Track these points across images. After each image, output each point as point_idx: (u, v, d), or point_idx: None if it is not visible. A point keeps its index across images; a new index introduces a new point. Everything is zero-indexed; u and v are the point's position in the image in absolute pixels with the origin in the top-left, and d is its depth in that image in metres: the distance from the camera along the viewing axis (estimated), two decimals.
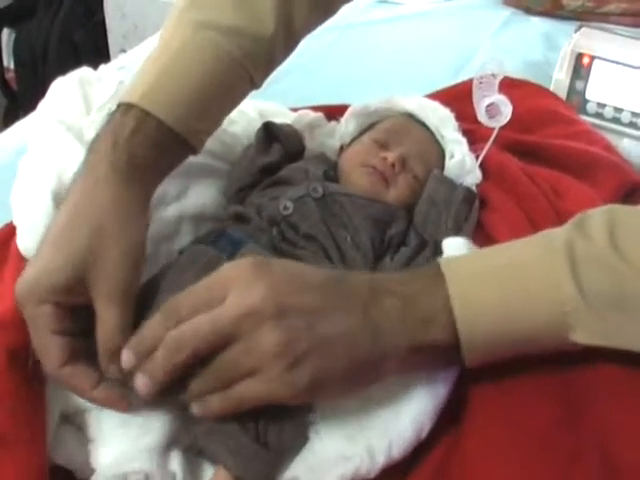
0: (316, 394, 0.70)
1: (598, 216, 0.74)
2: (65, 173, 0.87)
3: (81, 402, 0.76)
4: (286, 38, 0.93)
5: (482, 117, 1.09)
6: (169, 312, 0.70)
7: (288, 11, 0.91)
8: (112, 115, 0.83)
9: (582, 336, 0.69)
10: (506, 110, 1.09)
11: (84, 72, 1.03)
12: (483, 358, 0.72)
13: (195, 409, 0.71)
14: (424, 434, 0.72)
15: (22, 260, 0.81)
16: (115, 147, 0.79)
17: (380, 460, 0.70)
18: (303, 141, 1.08)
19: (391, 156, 0.99)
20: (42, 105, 1.00)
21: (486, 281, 0.72)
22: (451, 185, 0.98)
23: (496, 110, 1.10)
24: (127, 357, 0.70)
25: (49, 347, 0.72)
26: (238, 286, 0.69)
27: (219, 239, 0.88)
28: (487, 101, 1.10)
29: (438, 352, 0.71)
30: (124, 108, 0.82)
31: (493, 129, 1.09)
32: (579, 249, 0.71)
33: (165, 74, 0.84)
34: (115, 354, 0.71)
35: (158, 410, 0.75)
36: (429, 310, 0.70)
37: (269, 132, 1.05)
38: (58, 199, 0.83)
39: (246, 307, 0.67)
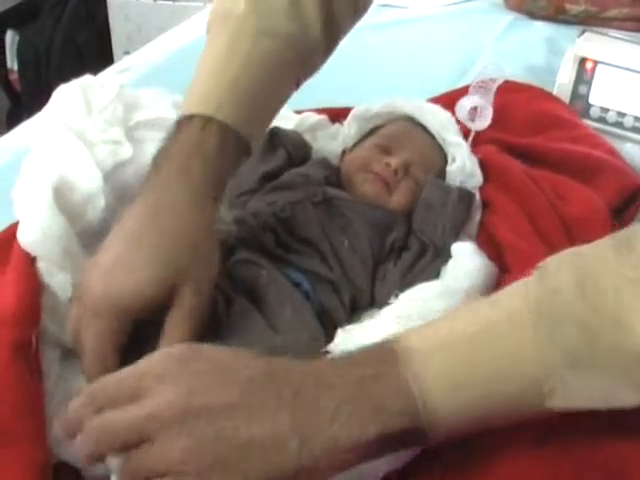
0: None
1: (561, 263, 0.66)
2: (66, 169, 0.87)
3: None
4: (328, 41, 0.94)
5: (463, 119, 1.11)
6: (93, 396, 0.66)
7: (330, 15, 0.91)
8: (184, 124, 0.82)
9: (558, 401, 0.62)
10: (486, 113, 1.10)
11: (86, 79, 1.03)
12: (447, 435, 0.65)
13: None
14: (400, 463, 0.68)
15: (25, 258, 0.81)
16: (205, 164, 0.79)
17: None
18: (309, 149, 1.09)
19: (394, 162, 0.99)
20: (46, 110, 1.00)
21: (447, 352, 0.64)
22: (445, 188, 0.98)
23: (478, 113, 1.11)
24: (57, 429, 0.68)
25: (100, 361, 0.72)
26: (156, 382, 0.63)
27: None
28: (468, 103, 1.10)
29: (400, 439, 0.64)
30: (202, 120, 0.81)
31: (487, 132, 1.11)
32: (544, 307, 0.64)
33: (237, 86, 0.84)
34: None
35: None
36: (381, 397, 0.62)
37: (275, 138, 1.05)
38: (59, 194, 0.84)
39: (156, 408, 0.62)
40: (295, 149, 1.06)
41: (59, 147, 0.91)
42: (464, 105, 1.12)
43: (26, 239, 0.82)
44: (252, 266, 0.85)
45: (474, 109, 1.11)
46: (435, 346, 0.65)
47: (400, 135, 1.06)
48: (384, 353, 0.65)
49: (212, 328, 0.79)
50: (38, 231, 0.82)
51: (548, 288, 0.64)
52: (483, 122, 1.11)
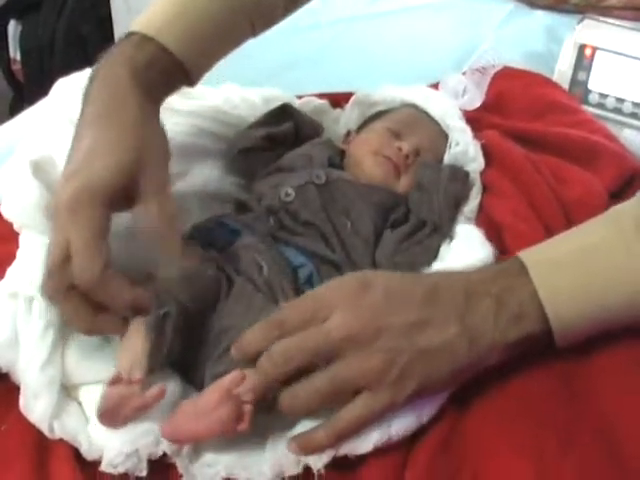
0: (422, 396, 0.73)
1: None
2: (50, 147, 0.91)
3: (79, 375, 0.78)
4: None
5: (447, 95, 1.13)
6: (274, 324, 0.74)
7: None
8: (125, 41, 0.87)
9: None
10: (473, 94, 1.11)
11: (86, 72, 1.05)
12: (574, 339, 0.75)
13: (296, 444, 0.72)
14: (425, 418, 0.73)
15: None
16: (135, 74, 0.83)
17: (374, 437, 0.72)
18: (319, 128, 1.10)
19: (406, 147, 1.00)
20: (44, 102, 1.02)
21: (566, 267, 0.75)
22: (436, 168, 0.99)
23: (461, 91, 1.12)
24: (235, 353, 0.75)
25: (97, 251, 0.74)
26: (342, 307, 0.73)
27: (217, 228, 0.89)
28: (451, 81, 1.12)
29: (532, 343, 0.74)
30: (140, 38, 0.86)
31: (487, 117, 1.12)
32: None
33: (181, 13, 0.89)
34: (171, 241, 0.79)
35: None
36: (520, 306, 0.73)
37: (285, 112, 1.06)
38: (40, 169, 0.87)
39: (351, 329, 0.71)
40: (303, 125, 1.07)
41: (48, 130, 0.95)
42: (447, 82, 1.13)
43: (7, 211, 0.86)
44: (254, 252, 0.86)
45: (459, 88, 1.12)
46: (557, 260, 0.76)
47: (410, 121, 1.07)
48: (513, 267, 0.76)
49: (214, 308, 0.81)
50: (17, 200, 0.85)
51: None
52: (468, 102, 1.12)
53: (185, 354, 0.80)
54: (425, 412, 0.73)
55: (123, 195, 0.78)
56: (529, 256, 0.76)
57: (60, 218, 0.75)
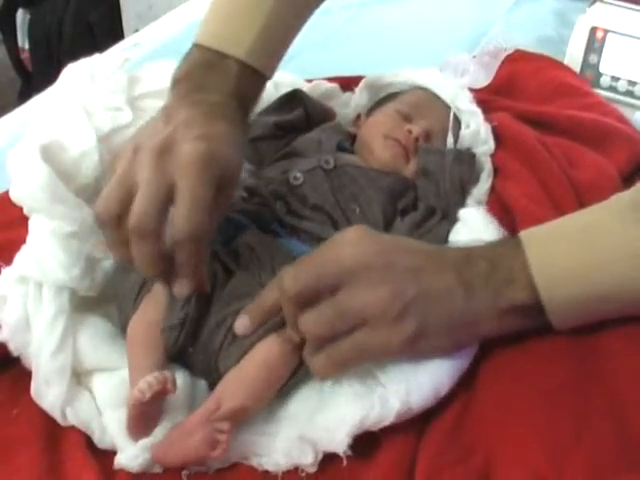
0: (418, 347, 0.73)
1: None
2: (59, 131, 0.91)
3: (91, 361, 0.78)
4: None
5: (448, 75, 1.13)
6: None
7: None
8: (218, 62, 0.88)
9: None
10: (478, 74, 1.11)
11: (94, 57, 1.05)
12: (570, 320, 0.75)
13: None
14: (443, 392, 0.73)
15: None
16: (241, 105, 0.87)
17: (395, 405, 0.72)
18: (331, 114, 1.10)
19: (416, 130, 1.00)
20: (54, 87, 1.03)
21: (560, 242, 0.75)
22: (440, 152, 0.99)
23: (462, 70, 1.12)
24: (241, 322, 0.77)
25: (207, 210, 0.75)
26: (350, 245, 0.75)
27: (223, 223, 0.89)
28: (453, 60, 1.11)
29: (523, 313, 0.75)
30: (237, 65, 0.88)
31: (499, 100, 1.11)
32: None
33: (268, 31, 0.90)
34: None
35: None
36: (511, 271, 0.74)
37: (295, 98, 1.06)
38: (49, 152, 0.87)
39: (361, 256, 0.74)
40: (314, 110, 1.06)
41: (58, 115, 0.94)
42: (449, 61, 1.13)
43: (15, 193, 0.85)
44: (253, 249, 0.86)
45: (461, 67, 1.12)
46: (551, 234, 0.77)
47: (421, 104, 1.06)
48: (509, 240, 0.79)
49: (209, 297, 0.81)
50: (26, 184, 0.84)
51: None
52: (472, 81, 1.12)
53: (186, 350, 0.80)
54: (443, 386, 0.74)
55: (222, 183, 0.79)
56: (526, 233, 0.77)
57: (176, 165, 0.76)
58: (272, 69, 0.94)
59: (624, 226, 0.73)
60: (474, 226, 0.89)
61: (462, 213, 0.92)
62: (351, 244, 0.75)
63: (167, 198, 0.75)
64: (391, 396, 0.72)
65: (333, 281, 0.73)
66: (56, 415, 0.75)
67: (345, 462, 0.71)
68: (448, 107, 1.07)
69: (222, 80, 0.87)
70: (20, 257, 0.82)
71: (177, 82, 0.88)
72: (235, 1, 0.92)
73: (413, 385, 0.73)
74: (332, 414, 0.74)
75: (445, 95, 1.08)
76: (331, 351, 0.73)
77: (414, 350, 0.73)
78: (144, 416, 0.73)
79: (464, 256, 0.76)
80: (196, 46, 0.89)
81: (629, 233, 0.73)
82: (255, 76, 0.90)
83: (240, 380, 0.75)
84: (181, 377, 0.78)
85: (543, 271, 0.73)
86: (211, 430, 0.70)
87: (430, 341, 0.73)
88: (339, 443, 0.71)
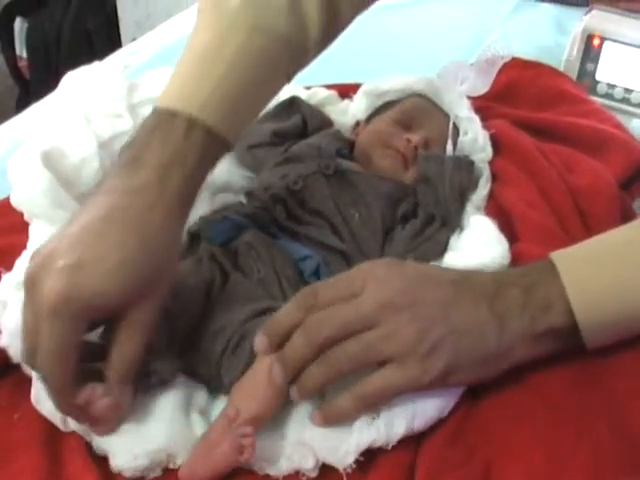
0: (448, 382, 0.72)
1: None
2: (60, 138, 0.92)
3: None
4: (326, 39, 0.90)
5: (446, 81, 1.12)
6: (306, 299, 0.74)
7: (332, 14, 0.87)
8: (164, 121, 0.77)
9: None
10: (476, 82, 1.11)
11: (94, 65, 1.05)
12: (603, 339, 0.74)
13: (321, 415, 0.73)
14: (446, 411, 0.73)
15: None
16: (185, 174, 0.75)
17: (400, 431, 0.71)
18: (327, 121, 1.10)
19: (415, 139, 1.01)
20: (53, 94, 1.03)
21: (596, 265, 0.75)
22: (438, 159, 0.99)
23: (461, 79, 1.12)
24: (261, 341, 0.73)
25: (68, 362, 0.68)
26: (376, 280, 0.73)
27: (222, 223, 0.90)
28: (451, 68, 1.12)
29: (558, 337, 0.74)
30: (185, 122, 0.76)
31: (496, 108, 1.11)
32: None
33: (224, 85, 0.79)
34: (124, 380, 0.72)
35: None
36: (547, 298, 0.73)
37: (293, 105, 1.06)
38: (50, 159, 0.87)
39: (385, 298, 0.71)
40: (311, 118, 1.07)
41: (59, 122, 0.95)
42: (447, 68, 1.13)
43: (16, 199, 0.86)
44: (252, 250, 0.87)
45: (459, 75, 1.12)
46: (585, 257, 0.76)
47: (419, 112, 1.07)
48: (542, 264, 0.76)
49: (206, 303, 0.82)
50: (27, 190, 0.85)
51: None
52: (470, 89, 1.12)
53: (183, 354, 0.80)
54: (447, 407, 0.73)
55: (106, 316, 0.71)
56: (559, 255, 0.76)
57: (39, 307, 0.68)
58: (232, 127, 0.80)
59: None
60: (484, 238, 0.90)
61: (472, 221, 0.93)
62: (377, 282, 0.73)
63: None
64: (397, 420, 0.72)
65: (356, 329, 0.71)
66: (56, 421, 0.74)
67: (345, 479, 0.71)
68: (447, 115, 1.07)
69: (163, 145, 0.75)
70: (21, 262, 0.82)
71: (120, 152, 0.78)
72: (191, 61, 0.82)
73: (419, 410, 0.72)
74: (336, 425, 0.74)
75: (444, 103, 1.09)
76: (358, 389, 0.71)
77: (444, 384, 0.73)
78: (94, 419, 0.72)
79: (496, 285, 0.74)
80: (152, 111, 0.79)
81: None
82: (208, 135, 0.77)
83: (253, 386, 0.74)
84: (179, 380, 0.78)
85: (580, 296, 0.72)
86: (235, 436, 0.70)
87: (461, 375, 0.72)
88: (341, 458, 0.71)
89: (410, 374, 0.70)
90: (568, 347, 0.74)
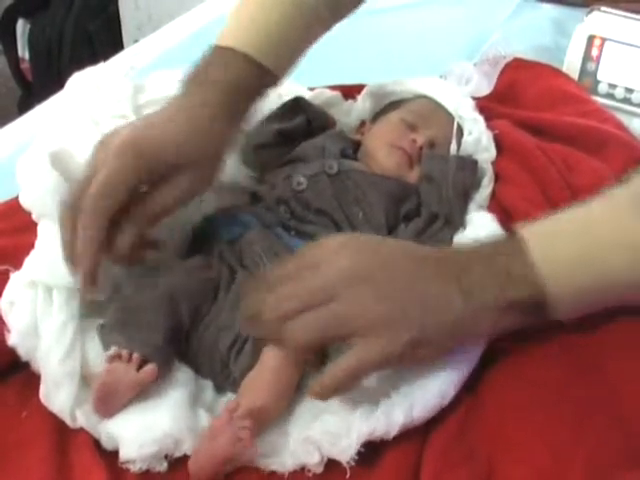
0: (419, 355, 0.73)
1: None
2: (67, 139, 0.93)
3: (99, 365, 0.78)
4: None
5: (453, 82, 1.14)
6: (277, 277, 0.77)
7: None
8: (220, 54, 0.90)
9: None
10: (480, 83, 1.12)
11: (99, 67, 1.06)
12: (571, 312, 0.75)
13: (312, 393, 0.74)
14: (447, 401, 0.74)
15: None
16: (239, 95, 0.89)
17: (399, 420, 0.72)
18: (332, 121, 1.11)
19: (420, 139, 1.01)
20: (59, 96, 1.04)
21: (561, 236, 0.76)
22: (443, 158, 1.00)
23: (465, 79, 1.13)
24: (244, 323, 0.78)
25: (116, 193, 0.79)
26: (345, 252, 0.75)
27: (227, 221, 0.91)
28: (456, 69, 1.12)
29: (524, 310, 0.74)
30: (229, 53, 0.89)
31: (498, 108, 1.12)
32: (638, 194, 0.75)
33: (261, 23, 0.92)
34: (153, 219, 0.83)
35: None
36: (512, 269, 0.74)
37: (297, 105, 1.07)
38: (58, 160, 0.88)
39: (351, 269, 0.74)
40: (316, 118, 1.07)
41: (68, 124, 0.96)
42: (453, 69, 1.14)
43: (25, 199, 0.86)
44: (257, 246, 0.88)
45: (465, 75, 1.13)
46: (552, 230, 0.77)
47: (425, 112, 1.07)
48: (510, 238, 0.77)
49: (213, 299, 0.83)
50: (35, 190, 0.86)
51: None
52: (476, 90, 1.13)
53: (190, 350, 0.82)
54: (447, 395, 0.74)
55: (157, 172, 0.82)
56: (526, 228, 0.77)
57: (105, 154, 0.80)
58: (279, 67, 0.93)
59: (622, 220, 0.74)
60: (485, 231, 0.90)
61: (473, 217, 0.94)
62: (346, 254, 0.75)
63: None
64: (396, 410, 0.73)
65: (324, 296, 0.73)
66: (65, 417, 0.75)
67: (349, 473, 0.72)
68: (451, 115, 1.08)
69: (219, 72, 0.88)
70: (29, 261, 0.83)
71: (182, 80, 0.90)
72: (249, 6, 0.94)
73: (418, 399, 0.73)
74: (335, 419, 0.74)
75: (448, 104, 1.09)
76: (332, 370, 0.73)
77: (414, 358, 0.74)
78: (110, 397, 0.75)
79: (463, 261, 0.76)
80: (210, 48, 0.92)
81: (628, 226, 0.73)
82: (258, 70, 0.90)
83: (257, 381, 0.75)
84: (184, 374, 0.79)
85: (548, 268, 0.73)
86: (234, 429, 0.71)
87: (430, 348, 0.73)
88: (343, 451, 0.72)
89: (378, 346, 0.72)
90: (535, 320, 0.75)
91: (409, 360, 0.74)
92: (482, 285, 0.74)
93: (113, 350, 0.77)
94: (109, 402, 0.75)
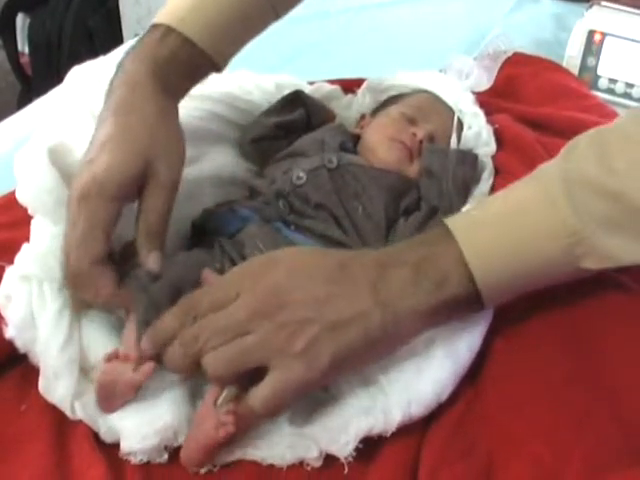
0: (338, 373, 0.73)
1: (585, 140, 0.76)
2: (65, 133, 0.91)
3: (96, 356, 0.78)
4: None
5: (452, 76, 1.13)
6: (186, 308, 0.75)
7: None
8: (149, 34, 0.89)
9: (592, 262, 0.72)
10: (480, 77, 1.11)
11: (99, 60, 1.06)
12: (501, 299, 0.75)
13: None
14: (444, 397, 0.74)
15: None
16: (155, 71, 0.86)
17: (397, 418, 0.72)
18: (331, 115, 1.10)
19: (420, 133, 1.01)
20: (58, 89, 1.03)
21: (491, 227, 0.74)
22: (443, 152, 1.00)
23: (465, 74, 1.13)
24: (145, 344, 0.75)
25: (95, 241, 0.77)
26: (250, 284, 0.73)
27: (227, 215, 0.91)
28: (455, 63, 1.12)
29: (458, 305, 0.73)
30: (163, 30, 0.88)
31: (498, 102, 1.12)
32: (572, 179, 0.73)
33: (202, 2, 0.90)
34: (156, 238, 0.80)
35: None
36: (442, 270, 0.72)
37: (297, 98, 1.07)
38: (56, 155, 0.87)
39: (256, 304, 0.72)
40: (315, 111, 1.07)
41: (66, 118, 0.95)
42: (452, 64, 1.14)
43: (21, 195, 0.86)
44: (258, 240, 0.87)
45: (465, 70, 1.13)
46: (481, 220, 0.75)
47: (426, 106, 1.07)
48: (437, 233, 0.75)
49: None
50: (31, 185, 0.85)
51: (572, 163, 0.74)
52: (475, 84, 1.12)
53: None
54: (444, 391, 0.74)
55: (133, 189, 0.80)
56: (454, 220, 0.76)
57: (71, 207, 0.79)
58: (216, 51, 0.92)
59: (553, 200, 0.73)
60: None
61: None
62: (250, 287, 0.73)
63: None
64: (394, 407, 0.72)
65: (234, 334, 0.72)
66: (65, 408, 0.75)
67: (347, 469, 0.72)
68: (451, 109, 1.08)
69: (152, 47, 0.87)
70: (21, 256, 0.82)
71: (119, 61, 0.90)
72: None
73: (415, 395, 0.73)
74: (333, 416, 0.74)
75: (449, 98, 1.09)
76: (251, 400, 0.71)
77: (341, 374, 0.74)
78: (109, 397, 0.75)
79: (378, 267, 0.74)
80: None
81: (558, 213, 0.72)
82: (191, 48, 0.89)
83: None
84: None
85: (478, 260, 0.72)
86: (217, 414, 0.71)
87: (354, 363, 0.73)
88: (341, 447, 0.72)
89: (292, 374, 0.70)
90: (468, 312, 0.75)
91: (335, 377, 0.74)
92: (405, 291, 0.72)
93: (110, 349, 0.77)
94: (110, 401, 0.75)
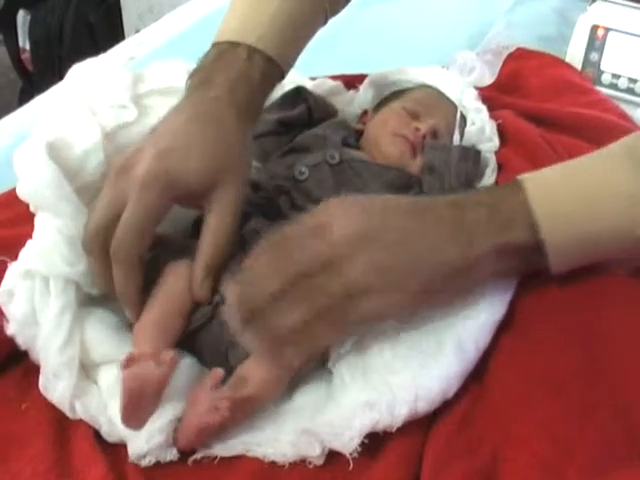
0: (431, 302, 0.76)
1: None
2: (65, 129, 0.91)
3: (97, 354, 0.78)
4: None
5: (455, 71, 1.14)
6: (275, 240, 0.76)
7: None
8: (227, 50, 0.89)
9: None
10: (482, 72, 1.11)
11: (100, 58, 1.05)
12: (567, 261, 0.75)
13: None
14: (451, 393, 0.74)
15: None
16: (250, 89, 0.88)
17: (403, 412, 0.72)
18: (333, 110, 1.10)
19: (423, 127, 1.01)
20: (59, 86, 1.03)
21: (560, 185, 0.76)
22: (445, 148, 0.99)
23: (468, 69, 1.12)
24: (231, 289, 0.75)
25: (147, 233, 0.79)
26: (342, 214, 0.75)
27: None
28: (458, 58, 1.12)
29: (521, 254, 0.75)
30: (246, 49, 0.89)
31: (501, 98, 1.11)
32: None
33: (276, 19, 0.92)
34: (214, 269, 0.81)
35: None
36: (510, 213, 0.74)
37: (298, 94, 1.07)
38: (55, 150, 0.87)
39: (353, 230, 0.73)
40: (317, 107, 1.06)
41: (65, 114, 0.94)
42: (455, 59, 1.14)
43: (22, 190, 0.85)
44: (258, 237, 0.87)
45: (468, 65, 1.13)
46: (550, 177, 0.77)
47: (428, 101, 1.07)
48: (511, 184, 0.77)
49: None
50: (32, 181, 0.85)
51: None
52: (478, 79, 1.12)
53: (197, 338, 0.81)
54: (451, 388, 0.74)
55: (196, 199, 0.82)
56: (525, 176, 0.77)
57: (130, 184, 0.79)
58: (285, 57, 0.93)
59: (618, 170, 0.75)
60: None
61: None
62: (343, 216, 0.75)
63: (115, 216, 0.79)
64: (400, 403, 0.72)
65: (329, 261, 0.72)
66: (65, 408, 0.75)
67: (352, 465, 0.71)
68: (454, 105, 1.07)
69: (228, 67, 0.88)
70: (25, 252, 0.82)
71: (189, 79, 0.90)
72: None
73: (422, 391, 0.73)
74: (338, 411, 0.74)
75: (451, 93, 1.09)
76: (348, 329, 0.74)
77: (426, 306, 0.76)
78: (140, 404, 0.72)
79: (461, 204, 0.76)
80: (212, 45, 0.91)
81: (624, 176, 0.74)
82: (266, 62, 0.90)
83: (254, 368, 0.75)
84: (189, 365, 0.79)
85: (544, 211, 0.73)
86: (212, 398, 0.71)
87: (438, 296, 0.75)
88: (346, 443, 0.71)
89: (390, 299, 0.72)
90: (532, 267, 0.76)
91: (421, 309, 0.76)
92: (481, 227, 0.74)
93: (125, 355, 0.74)
94: (140, 410, 0.72)
